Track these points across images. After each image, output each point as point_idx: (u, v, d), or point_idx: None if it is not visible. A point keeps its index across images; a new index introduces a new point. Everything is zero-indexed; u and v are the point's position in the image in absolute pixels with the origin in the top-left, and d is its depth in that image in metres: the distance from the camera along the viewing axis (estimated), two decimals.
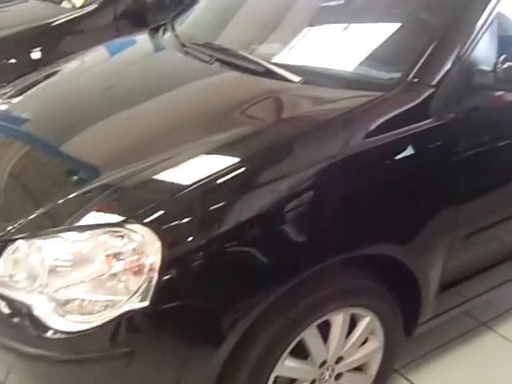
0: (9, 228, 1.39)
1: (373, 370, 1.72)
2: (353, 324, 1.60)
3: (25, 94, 2.15)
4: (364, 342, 1.65)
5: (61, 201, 1.42)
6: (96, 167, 1.56)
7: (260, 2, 2.29)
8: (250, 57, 1.83)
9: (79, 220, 1.35)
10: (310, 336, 1.50)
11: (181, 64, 2.08)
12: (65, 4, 3.55)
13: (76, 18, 3.43)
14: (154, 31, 2.47)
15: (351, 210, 1.45)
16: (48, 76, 2.26)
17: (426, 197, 1.57)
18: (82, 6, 3.48)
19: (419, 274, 1.61)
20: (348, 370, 1.66)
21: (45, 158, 1.74)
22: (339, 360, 1.61)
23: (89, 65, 2.39)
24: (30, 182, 1.65)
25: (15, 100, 2.14)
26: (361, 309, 1.58)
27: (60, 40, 3.45)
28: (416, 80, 1.56)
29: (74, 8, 3.48)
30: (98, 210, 1.36)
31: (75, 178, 1.62)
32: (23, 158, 1.74)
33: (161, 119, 1.71)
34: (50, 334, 1.28)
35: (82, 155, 1.65)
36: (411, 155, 1.52)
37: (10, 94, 2.18)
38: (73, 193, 1.43)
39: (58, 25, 3.41)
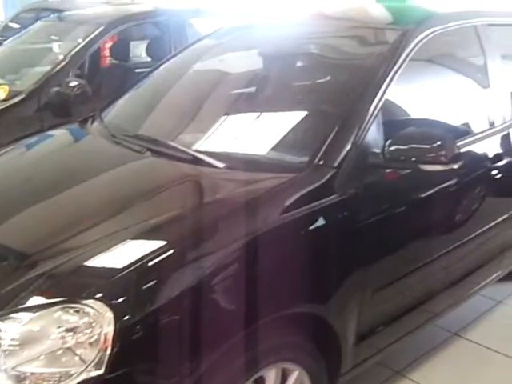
0: None
1: None
2: (284, 378, 1.79)
3: None
4: None
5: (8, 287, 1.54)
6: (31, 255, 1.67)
7: (185, 95, 2.56)
8: (179, 146, 2.08)
9: (29, 301, 1.48)
10: None
11: (112, 153, 2.26)
12: None
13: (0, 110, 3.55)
14: (83, 122, 2.67)
15: (276, 276, 1.67)
16: None
17: (337, 261, 1.83)
18: (6, 99, 3.61)
19: (338, 329, 1.84)
20: None
21: None
22: None
23: (18, 158, 2.51)
24: None
25: None
26: (290, 363, 1.78)
27: None
28: (321, 163, 1.86)
29: None
30: (44, 293, 1.50)
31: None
32: None
33: (94, 206, 1.87)
34: None
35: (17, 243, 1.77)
36: (322, 226, 1.80)
37: None
38: (17, 280, 1.55)
39: None
